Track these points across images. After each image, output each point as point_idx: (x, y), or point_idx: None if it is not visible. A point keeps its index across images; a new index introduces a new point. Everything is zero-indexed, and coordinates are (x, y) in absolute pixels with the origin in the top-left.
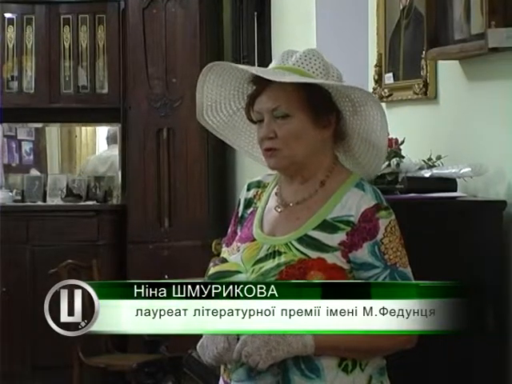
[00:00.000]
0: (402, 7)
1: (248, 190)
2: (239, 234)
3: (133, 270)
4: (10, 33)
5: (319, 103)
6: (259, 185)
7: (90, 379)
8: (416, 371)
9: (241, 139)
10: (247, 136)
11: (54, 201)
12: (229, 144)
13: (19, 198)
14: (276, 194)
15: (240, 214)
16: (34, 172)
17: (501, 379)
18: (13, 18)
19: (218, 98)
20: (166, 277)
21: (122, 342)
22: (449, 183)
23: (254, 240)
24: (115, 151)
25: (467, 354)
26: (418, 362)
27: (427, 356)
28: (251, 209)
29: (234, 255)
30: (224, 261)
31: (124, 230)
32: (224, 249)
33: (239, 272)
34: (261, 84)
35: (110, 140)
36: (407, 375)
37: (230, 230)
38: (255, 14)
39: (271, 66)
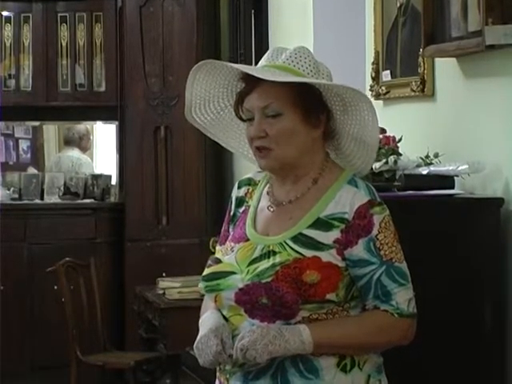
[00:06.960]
0: (399, 4)
1: (239, 187)
2: (232, 233)
3: (130, 268)
4: (8, 31)
5: (310, 102)
6: (250, 182)
7: (87, 377)
8: (413, 369)
9: (229, 136)
10: (235, 133)
11: (52, 199)
12: (217, 141)
13: (17, 196)
14: (268, 193)
15: (232, 213)
16: (32, 170)
17: (500, 377)
18: (10, 16)
19: (207, 95)
20: (164, 275)
21: (120, 340)
22: (446, 180)
23: (248, 240)
24: (70, 153)
25: (465, 351)
26: (415, 360)
27: (424, 353)
28: (243, 207)
29: (228, 255)
30: (218, 261)
31: (122, 227)
32: (218, 248)
33: (234, 273)
34: (251, 82)
35: (68, 141)
36: (404, 373)
37: (223, 229)
38: (252, 11)
39: (261, 63)
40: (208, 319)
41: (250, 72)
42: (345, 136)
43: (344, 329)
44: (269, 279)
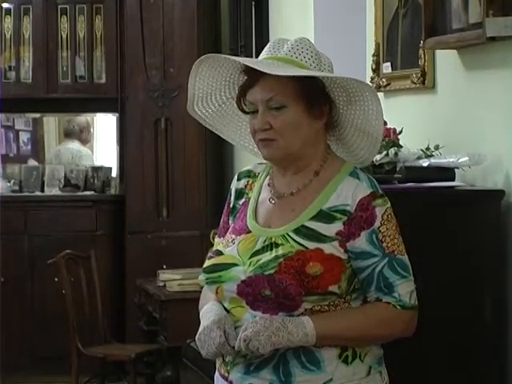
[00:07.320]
0: None
1: (238, 179)
2: (232, 225)
3: (131, 260)
4: (8, 23)
5: (313, 94)
6: (250, 174)
7: (88, 369)
8: (412, 362)
9: (230, 129)
10: (236, 125)
11: (52, 191)
12: (218, 134)
13: (17, 188)
14: (269, 184)
15: (232, 205)
16: (32, 162)
17: (499, 372)
18: (10, 8)
19: (209, 89)
20: (164, 267)
21: (120, 332)
22: (447, 173)
23: (250, 232)
24: (71, 145)
25: (465, 343)
26: (415, 353)
27: (424, 347)
28: (243, 199)
29: (229, 247)
30: (219, 253)
31: (122, 220)
32: (217, 240)
33: (236, 265)
34: (254, 75)
35: (68, 133)
36: (404, 365)
37: (222, 221)
38: (253, 3)
39: (262, 55)
40: (210, 311)
41: (253, 65)
42: (348, 126)
43: (347, 321)
44: (272, 271)
